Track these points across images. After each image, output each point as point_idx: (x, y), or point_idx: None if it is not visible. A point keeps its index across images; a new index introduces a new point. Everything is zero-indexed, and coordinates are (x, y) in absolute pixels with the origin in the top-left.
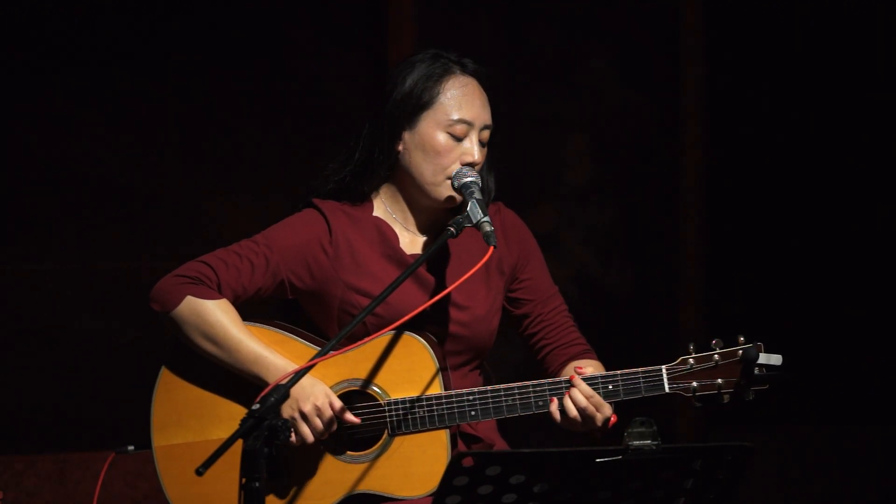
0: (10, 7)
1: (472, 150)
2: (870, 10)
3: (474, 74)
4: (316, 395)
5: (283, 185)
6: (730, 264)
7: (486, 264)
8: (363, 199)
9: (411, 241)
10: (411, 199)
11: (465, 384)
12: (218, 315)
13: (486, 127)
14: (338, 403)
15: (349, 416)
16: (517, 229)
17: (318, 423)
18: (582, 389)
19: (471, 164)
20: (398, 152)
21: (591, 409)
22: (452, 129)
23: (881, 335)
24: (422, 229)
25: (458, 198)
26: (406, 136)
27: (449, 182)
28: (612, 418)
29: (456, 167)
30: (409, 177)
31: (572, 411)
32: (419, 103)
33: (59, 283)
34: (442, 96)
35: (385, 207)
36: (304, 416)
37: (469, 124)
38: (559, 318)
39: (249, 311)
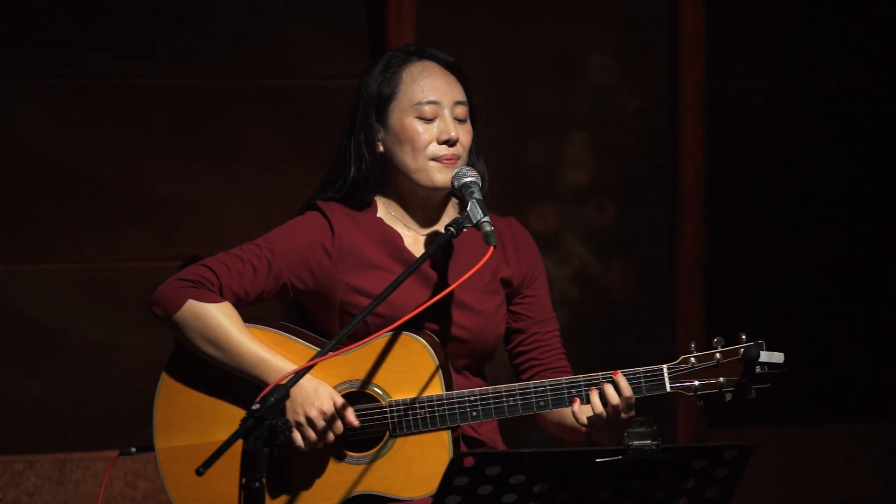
0: (13, 7)
1: (448, 126)
2: (869, 9)
3: (433, 58)
4: (322, 400)
5: (284, 185)
6: (730, 264)
7: (493, 274)
8: (366, 204)
9: (415, 241)
10: (408, 197)
11: (466, 387)
12: (220, 318)
13: (458, 103)
14: (340, 401)
15: (350, 417)
16: (529, 248)
17: (325, 427)
18: (622, 388)
19: (449, 141)
20: (382, 154)
21: (622, 406)
22: (421, 111)
23: (881, 334)
24: (424, 227)
25: (448, 180)
26: (382, 135)
27: (434, 163)
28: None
29: (434, 147)
30: (398, 174)
31: (599, 408)
32: (382, 98)
33: (59, 283)
34: (402, 84)
35: (386, 208)
36: (310, 421)
37: (436, 103)
38: (553, 342)
39: (251, 312)
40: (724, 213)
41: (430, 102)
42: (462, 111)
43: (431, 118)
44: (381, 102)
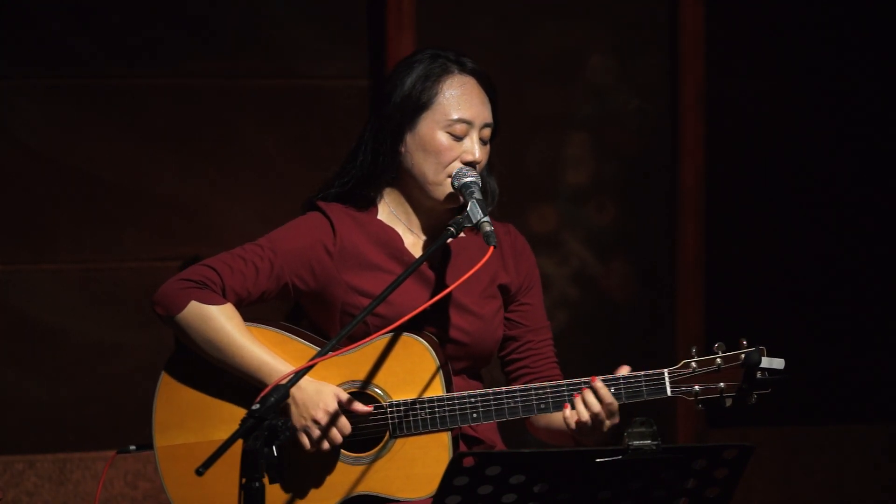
0: (13, 7)
1: (473, 148)
2: (869, 9)
3: (472, 73)
4: (326, 402)
5: (284, 185)
6: (730, 264)
7: (491, 279)
8: (368, 203)
9: (415, 244)
10: (415, 201)
11: (464, 390)
12: (222, 320)
13: (486, 125)
14: (345, 397)
15: (358, 406)
16: (527, 255)
17: (333, 426)
18: (602, 395)
19: (472, 163)
20: (401, 154)
21: (603, 415)
22: (452, 128)
23: (881, 334)
24: (426, 231)
25: (461, 198)
26: (408, 137)
27: (451, 181)
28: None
29: (457, 166)
30: (411, 178)
31: (584, 415)
32: (418, 104)
33: (59, 283)
34: (440, 96)
35: (389, 210)
36: (317, 424)
37: (469, 123)
38: (547, 351)
39: (251, 312)
40: (724, 213)
41: (463, 121)
42: (487, 133)
43: (460, 137)
44: (415, 107)
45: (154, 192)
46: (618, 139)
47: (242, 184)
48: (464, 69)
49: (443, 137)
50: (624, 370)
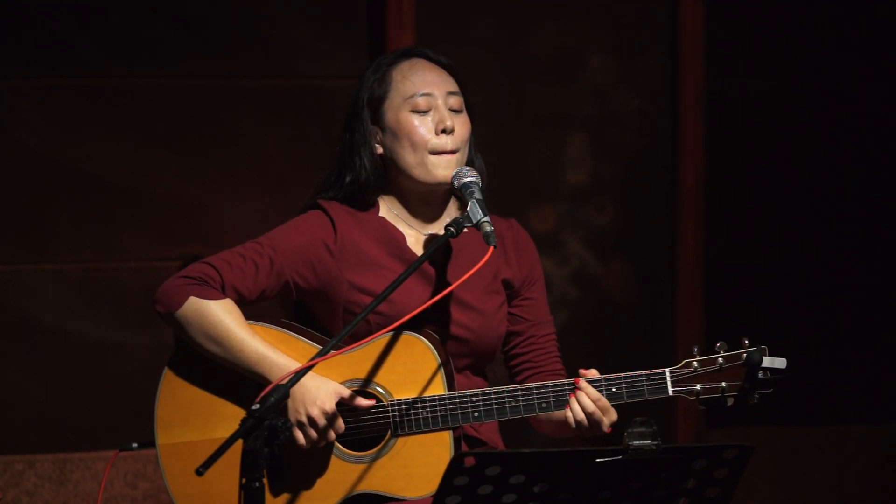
0: (13, 7)
1: (443, 115)
2: (870, 9)
3: (419, 55)
4: (323, 400)
5: (284, 185)
6: (730, 264)
7: (494, 275)
8: (368, 205)
9: (416, 240)
10: (409, 195)
11: (467, 387)
12: (221, 315)
13: (451, 93)
14: (346, 392)
15: (360, 401)
16: (529, 250)
17: (327, 426)
18: (589, 393)
19: (446, 130)
20: (380, 156)
21: (599, 413)
22: (414, 104)
23: (881, 334)
24: (425, 225)
25: (448, 175)
26: (379, 137)
27: (434, 157)
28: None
29: (433, 138)
30: (398, 172)
31: (579, 415)
32: (374, 98)
33: (59, 283)
34: (393, 82)
35: (389, 208)
36: (311, 421)
37: (429, 95)
38: (549, 345)
39: (253, 310)
40: (724, 213)
41: (422, 94)
42: (456, 101)
43: (426, 110)
44: (375, 103)
45: (154, 192)
46: (618, 139)
47: (242, 184)
48: (410, 54)
49: (409, 117)
50: (592, 373)
